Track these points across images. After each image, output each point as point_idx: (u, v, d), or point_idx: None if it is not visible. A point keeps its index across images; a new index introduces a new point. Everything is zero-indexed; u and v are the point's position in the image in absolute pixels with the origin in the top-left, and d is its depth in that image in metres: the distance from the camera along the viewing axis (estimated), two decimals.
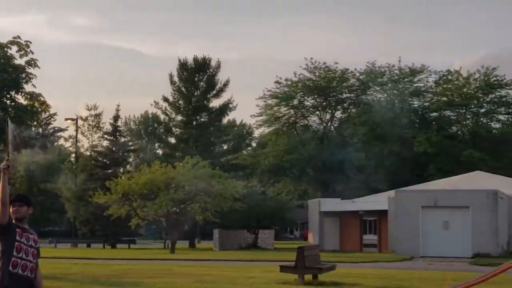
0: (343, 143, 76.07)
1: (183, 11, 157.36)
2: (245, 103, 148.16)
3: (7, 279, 6.83)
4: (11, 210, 7.01)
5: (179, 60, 73.21)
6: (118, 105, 71.76)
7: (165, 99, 73.87)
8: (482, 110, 75.24)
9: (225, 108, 75.47)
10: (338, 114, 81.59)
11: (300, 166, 78.18)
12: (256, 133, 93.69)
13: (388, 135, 72.53)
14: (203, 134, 72.74)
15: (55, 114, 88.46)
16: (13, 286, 6.86)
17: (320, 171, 77.85)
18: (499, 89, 74.08)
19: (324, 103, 79.27)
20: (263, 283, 21.71)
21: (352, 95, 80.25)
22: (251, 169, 77.57)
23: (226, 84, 73.85)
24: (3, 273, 6.85)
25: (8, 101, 34.55)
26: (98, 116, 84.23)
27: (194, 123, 73.62)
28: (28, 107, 36.81)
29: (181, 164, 52.43)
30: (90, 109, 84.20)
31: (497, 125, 77.16)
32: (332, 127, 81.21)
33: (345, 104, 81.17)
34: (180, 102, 73.88)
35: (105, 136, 74.47)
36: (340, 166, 75.72)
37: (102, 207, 53.04)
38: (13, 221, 6.99)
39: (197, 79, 72.90)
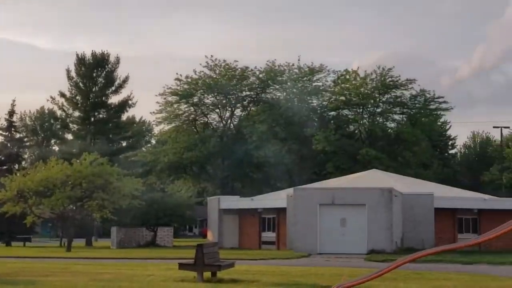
0: (242, 141, 76.39)
1: (81, 4, 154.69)
2: (144, 100, 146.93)
3: None
4: None
5: (77, 55, 72.01)
6: (14, 100, 69.99)
7: (62, 95, 72.41)
8: (378, 110, 76.86)
9: (124, 105, 74.66)
10: (238, 112, 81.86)
11: (200, 163, 78.06)
12: (156, 130, 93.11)
13: (287, 134, 73.26)
14: (101, 131, 71.74)
15: None
16: None
17: (219, 169, 77.98)
18: (394, 90, 75.81)
19: (224, 101, 79.35)
20: (162, 280, 21.53)
21: (252, 93, 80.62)
22: (151, 166, 76.94)
23: (125, 80, 73.10)
24: None
25: None
26: None
27: (92, 119, 72.52)
28: None
29: (78, 161, 51.48)
30: None
31: (392, 125, 79.02)
32: (232, 125, 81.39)
33: (245, 102, 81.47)
34: (77, 97, 72.62)
35: (0, 131, 72.47)
36: (239, 164, 76.07)
37: None
38: None
39: (95, 75, 71.85)
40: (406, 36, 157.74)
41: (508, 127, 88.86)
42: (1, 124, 73.31)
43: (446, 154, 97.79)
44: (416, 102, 76.98)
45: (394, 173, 62.09)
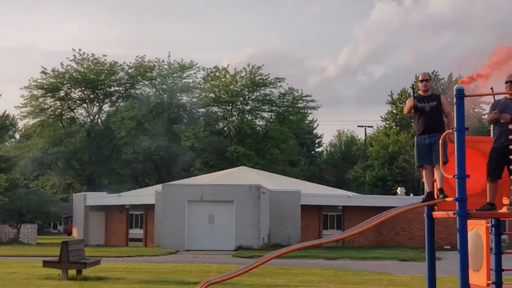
0: (110, 136, 75.30)
1: None
2: (8, 94, 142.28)
3: None
4: None
5: None
6: None
7: None
8: (248, 107, 77.47)
9: None
10: (106, 107, 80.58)
11: (66, 159, 76.32)
12: (20, 124, 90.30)
13: (157, 130, 72.77)
14: None
15: None
16: None
17: (86, 165, 76.56)
18: (263, 88, 76.63)
19: (92, 96, 77.92)
20: (25, 278, 20.96)
21: (120, 88, 79.55)
22: (14, 161, 74.63)
23: None
24: None
25: None
26: None
27: None
28: None
29: None
30: None
31: (261, 122, 79.85)
32: (100, 120, 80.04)
33: (113, 98, 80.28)
34: None
35: None
36: (107, 160, 74.99)
37: None
38: None
39: None
40: (276, 35, 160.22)
41: (372, 126, 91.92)
42: None
43: (313, 152, 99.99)
44: (284, 100, 78.07)
45: (262, 170, 62.87)
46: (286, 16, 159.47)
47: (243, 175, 53.57)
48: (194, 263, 30.02)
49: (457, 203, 9.90)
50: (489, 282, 10.86)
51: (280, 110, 78.46)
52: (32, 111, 77.11)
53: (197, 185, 47.09)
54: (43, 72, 74.74)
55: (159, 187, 48.68)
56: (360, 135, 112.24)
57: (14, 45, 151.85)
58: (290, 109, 78.59)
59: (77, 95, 77.99)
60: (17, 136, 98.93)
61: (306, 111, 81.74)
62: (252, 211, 43.81)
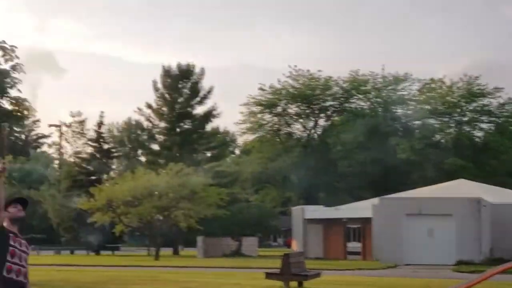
0: (326, 150, 76.23)
1: (166, 17, 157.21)
2: (228, 110, 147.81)
3: (1, 285, 6.82)
4: (12, 210, 7.03)
5: (163, 67, 73.17)
6: (102, 112, 71.75)
7: (149, 106, 73.63)
8: (465, 119, 75.60)
9: (208, 115, 75.30)
10: (321, 121, 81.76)
11: (284, 173, 78.20)
12: (240, 140, 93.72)
13: (372, 143, 72.74)
14: (187, 141, 72.58)
15: (38, 120, 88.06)
16: None
17: (303, 179, 77.92)
18: (481, 98, 74.48)
19: (308, 111, 79.38)
20: None
21: (335, 102, 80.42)
22: (235, 176, 77.48)
23: (210, 91, 73.77)
24: None
25: None
26: (82, 122, 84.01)
27: (178, 130, 73.43)
28: (13, 112, 36.77)
29: (164, 171, 52.31)
30: (74, 116, 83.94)
31: (480, 134, 77.59)
32: (315, 134, 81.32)
33: (328, 112, 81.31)
34: (163, 108, 73.68)
35: (89, 142, 74.27)
36: (323, 174, 75.89)
37: (86, 214, 52.91)
38: (5, 225, 6.99)
39: (180, 86, 72.77)
40: (493, 44, 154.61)
41: None
42: (90, 136, 75.19)
43: None
44: (504, 110, 75.40)
45: (482, 183, 60.89)
46: (504, 26, 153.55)
47: (462, 188, 52.14)
48: (414, 278, 29.63)
49: None
50: None
51: (499, 121, 75.77)
52: (251, 127, 79.85)
53: (415, 198, 46.50)
54: (261, 89, 77.21)
55: (375, 200, 48.54)
56: None
57: (232, 63, 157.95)
58: (510, 119, 75.71)
59: (294, 110, 79.79)
60: (237, 151, 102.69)
61: None
62: (472, 224, 42.59)
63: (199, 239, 57.35)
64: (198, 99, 73.53)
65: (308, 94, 76.88)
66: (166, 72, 72.83)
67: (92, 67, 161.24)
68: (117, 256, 57.11)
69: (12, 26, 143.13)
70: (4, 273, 6.83)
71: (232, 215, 55.45)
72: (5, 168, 6.94)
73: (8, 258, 6.88)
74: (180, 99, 72.91)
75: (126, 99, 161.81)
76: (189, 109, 73.33)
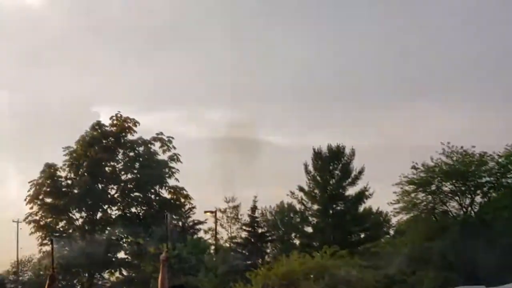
0: (485, 227, 73.64)
1: (313, 101, 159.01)
2: (381, 190, 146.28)
3: None
4: None
5: (314, 150, 73.84)
6: (256, 197, 72.87)
7: (301, 189, 74.24)
8: None
9: (361, 196, 74.97)
10: (478, 198, 79.22)
11: (442, 253, 75.95)
12: (394, 220, 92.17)
13: None
14: (340, 223, 72.32)
15: (194, 207, 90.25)
16: None
17: (462, 258, 75.40)
18: None
19: (463, 188, 77.29)
20: None
21: (491, 178, 77.97)
22: (390, 257, 76.10)
23: (361, 172, 73.59)
24: None
25: (152, 196, 35.88)
26: (236, 207, 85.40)
27: (331, 211, 73.43)
28: (172, 201, 38.08)
29: (319, 253, 52.11)
30: (228, 201, 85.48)
31: None
32: (472, 212, 78.85)
33: (484, 188, 78.87)
34: (315, 191, 74.04)
35: (243, 227, 75.41)
36: (483, 252, 73.13)
37: None
38: None
39: (331, 168, 73.03)
40: None
41: None
42: (245, 220, 76.39)
43: None
44: None
45: None
46: None
47: None
48: None
49: None
50: None
51: None
52: (404, 207, 78.43)
53: None
54: (414, 168, 76.03)
55: None
56: None
57: (381, 143, 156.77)
58: None
59: (448, 188, 77.84)
60: (391, 232, 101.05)
61: None
62: None
63: None
64: (349, 180, 73.47)
65: (462, 171, 75.01)
66: (317, 155, 73.44)
67: (244, 152, 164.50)
68: None
69: (164, 118, 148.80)
70: None
71: None
72: (167, 256, 7.18)
73: None
74: (332, 181, 73.07)
75: (277, 183, 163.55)
76: (341, 190, 73.32)
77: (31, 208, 66.08)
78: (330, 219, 72.39)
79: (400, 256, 75.43)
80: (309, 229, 79.24)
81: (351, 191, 74.32)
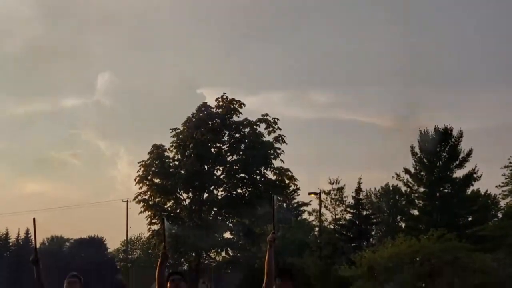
0: None
1: (419, 82, 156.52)
2: (489, 173, 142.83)
3: None
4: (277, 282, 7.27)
5: (420, 131, 72.64)
6: (360, 178, 72.38)
7: (407, 171, 73.22)
8: None
9: (469, 179, 73.32)
10: None
11: None
12: (502, 203, 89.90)
13: None
14: (447, 206, 71.01)
15: (298, 188, 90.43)
16: None
17: None
18: None
19: None
20: None
21: None
22: (499, 241, 74.27)
23: (469, 154, 71.96)
24: None
25: (257, 177, 36.13)
26: (340, 189, 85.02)
27: (437, 194, 72.17)
28: (277, 182, 38.27)
29: (425, 236, 51.39)
30: (333, 183, 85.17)
31: None
32: None
33: None
34: (422, 173, 72.88)
35: (348, 209, 75.11)
36: None
37: (346, 281, 53.23)
38: None
39: (439, 150, 71.71)
40: None
41: None
42: (349, 202, 76.05)
43: None
44: None
45: None
46: None
47: None
48: None
49: None
50: None
51: None
52: None
53: None
54: None
55: None
56: None
57: (491, 124, 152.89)
58: None
59: None
60: (499, 215, 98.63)
61: None
62: None
63: None
64: (457, 162, 71.98)
65: None
66: (424, 137, 72.26)
67: (347, 134, 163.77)
68: None
69: (269, 99, 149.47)
70: None
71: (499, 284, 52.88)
72: (275, 238, 7.24)
73: None
74: (439, 163, 71.78)
75: (382, 165, 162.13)
76: (448, 172, 71.92)
77: (140, 188, 67.45)
78: (437, 202, 71.14)
79: (509, 239, 73.51)
80: (415, 212, 78.11)
81: (458, 173, 72.83)
